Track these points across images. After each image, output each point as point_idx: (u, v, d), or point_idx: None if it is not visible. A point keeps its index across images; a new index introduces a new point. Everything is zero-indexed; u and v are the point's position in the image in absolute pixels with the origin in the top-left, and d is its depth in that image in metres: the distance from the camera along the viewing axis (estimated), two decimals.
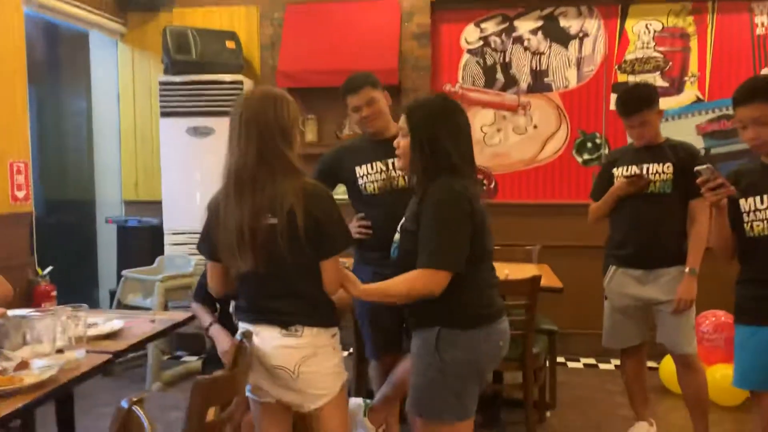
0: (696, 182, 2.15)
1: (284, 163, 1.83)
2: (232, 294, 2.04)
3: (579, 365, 4.41)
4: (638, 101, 2.78)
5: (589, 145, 4.55)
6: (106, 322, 2.25)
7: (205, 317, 2.59)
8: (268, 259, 1.84)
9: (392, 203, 2.80)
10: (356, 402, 2.93)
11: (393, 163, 2.76)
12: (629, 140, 3.02)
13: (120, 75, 4.97)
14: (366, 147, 2.87)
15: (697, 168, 2.11)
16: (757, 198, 2.16)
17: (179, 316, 2.46)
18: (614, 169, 2.94)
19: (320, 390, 1.91)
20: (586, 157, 4.56)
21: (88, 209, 5.08)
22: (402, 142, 1.99)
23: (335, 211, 1.88)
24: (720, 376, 3.53)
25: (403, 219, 2.06)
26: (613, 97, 4.47)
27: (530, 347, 3.02)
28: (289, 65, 4.49)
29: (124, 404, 1.37)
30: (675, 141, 2.94)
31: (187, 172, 4.37)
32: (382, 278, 2.80)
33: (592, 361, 4.45)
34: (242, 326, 1.96)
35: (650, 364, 3.39)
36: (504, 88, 4.60)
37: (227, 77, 4.37)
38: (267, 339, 1.89)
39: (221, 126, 4.36)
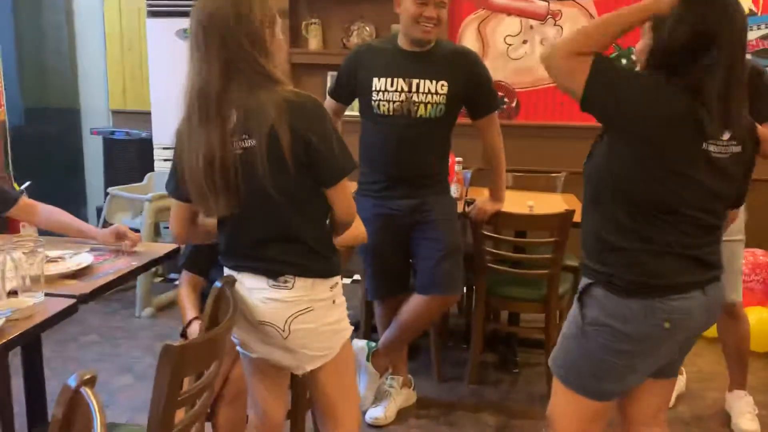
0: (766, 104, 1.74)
1: (258, 73, 1.47)
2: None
3: None
4: None
5: (624, 61, 4.08)
6: (73, 255, 1.93)
7: (189, 308, 2.02)
8: (249, 194, 1.50)
9: (404, 132, 2.42)
10: (359, 345, 2.67)
11: (418, 85, 2.38)
12: None
13: None
14: (393, 56, 2.43)
15: None
16: None
17: (161, 249, 2.13)
18: None
19: (316, 351, 1.60)
20: None
21: (73, 118, 4.69)
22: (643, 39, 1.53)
23: (329, 128, 1.52)
24: (755, 320, 3.25)
25: None
26: None
27: (556, 288, 2.72)
28: None
29: (72, 382, 1.06)
30: None
31: (178, 80, 3.92)
32: (386, 217, 2.44)
33: None
34: (225, 271, 1.64)
35: None
36: None
37: None
38: (252, 290, 1.57)
39: None
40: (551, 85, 4.17)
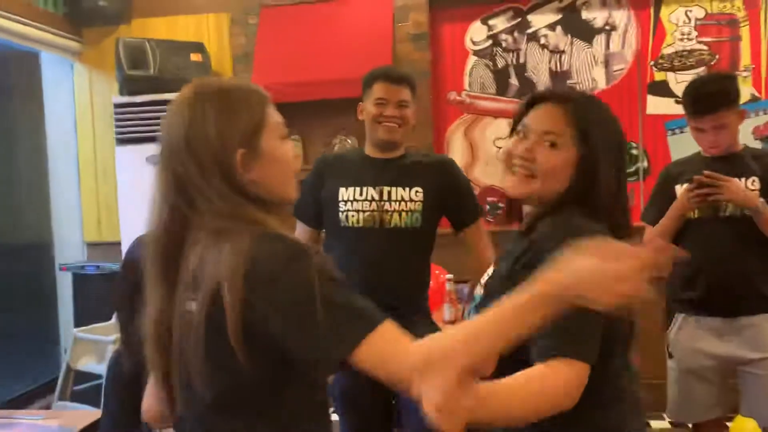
0: None
1: (219, 216, 1.03)
2: None
3: None
4: (715, 97, 2.08)
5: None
6: None
7: None
8: (184, 374, 1.06)
9: (377, 247, 2.12)
10: None
11: (390, 193, 2.13)
12: (672, 150, 2.34)
13: (76, 99, 4.34)
14: (361, 164, 2.21)
15: None
16: None
17: (80, 418, 1.75)
18: (677, 186, 2.24)
19: None
20: None
21: (45, 254, 4.42)
22: (552, 157, 1.23)
23: (309, 293, 0.96)
24: None
25: (495, 268, 1.31)
26: (651, 99, 3.77)
27: None
28: (265, 78, 3.83)
29: None
30: (757, 149, 2.26)
31: (147, 208, 3.68)
32: None
33: None
34: None
35: None
36: (519, 95, 3.90)
37: None
38: None
39: None
40: None
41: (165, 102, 3.82)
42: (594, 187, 1.22)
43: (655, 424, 3.57)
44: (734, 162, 2.15)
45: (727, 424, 2.78)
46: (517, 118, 1.32)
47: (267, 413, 1.04)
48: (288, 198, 1.13)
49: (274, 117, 1.11)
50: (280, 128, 1.11)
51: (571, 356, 1.04)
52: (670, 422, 3.35)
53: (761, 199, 2.09)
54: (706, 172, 2.09)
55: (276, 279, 0.97)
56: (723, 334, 2.19)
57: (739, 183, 2.10)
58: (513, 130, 1.32)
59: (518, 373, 1.04)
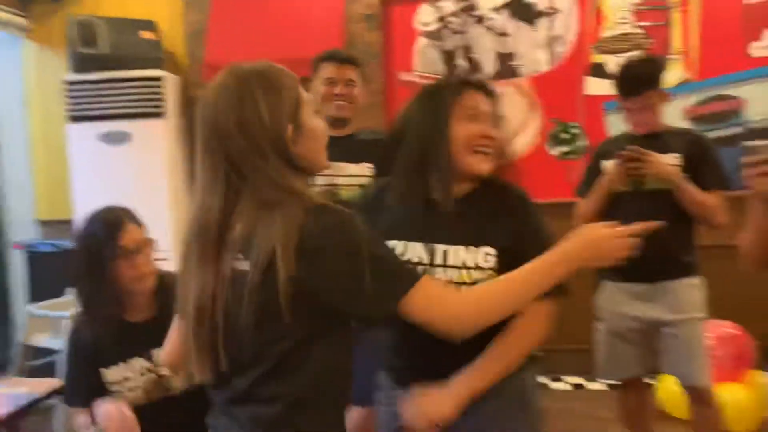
0: (741, 164, 1.59)
1: (273, 189, 1.09)
2: None
3: (563, 386, 3.89)
4: (639, 80, 2.24)
5: (566, 136, 4.02)
6: None
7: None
8: (229, 335, 1.11)
9: None
10: None
11: (340, 168, 2.23)
12: (611, 129, 2.52)
13: (24, 76, 4.30)
14: None
15: (747, 143, 1.54)
16: None
17: (43, 386, 1.83)
18: (604, 161, 2.41)
19: None
20: (562, 149, 4.03)
21: None
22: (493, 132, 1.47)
23: (356, 259, 1.06)
24: (730, 398, 3.03)
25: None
26: (591, 81, 3.96)
27: None
28: (218, 56, 3.87)
29: None
30: (678, 128, 2.44)
31: (101, 185, 3.71)
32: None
33: (578, 380, 3.93)
34: None
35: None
36: (467, 76, 4.03)
37: (144, 73, 3.73)
38: None
39: (139, 130, 3.75)
40: None
41: (118, 80, 3.85)
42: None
43: (590, 386, 3.82)
44: (658, 139, 2.33)
45: (652, 382, 3.02)
46: (448, 103, 1.43)
47: (300, 369, 1.10)
48: (324, 166, 1.21)
49: (305, 93, 1.17)
50: (312, 103, 1.18)
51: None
52: (609, 384, 3.61)
53: (681, 174, 2.28)
54: (631, 147, 2.26)
55: (324, 250, 1.05)
56: (646, 298, 2.38)
57: (662, 158, 2.28)
58: (446, 113, 1.43)
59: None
